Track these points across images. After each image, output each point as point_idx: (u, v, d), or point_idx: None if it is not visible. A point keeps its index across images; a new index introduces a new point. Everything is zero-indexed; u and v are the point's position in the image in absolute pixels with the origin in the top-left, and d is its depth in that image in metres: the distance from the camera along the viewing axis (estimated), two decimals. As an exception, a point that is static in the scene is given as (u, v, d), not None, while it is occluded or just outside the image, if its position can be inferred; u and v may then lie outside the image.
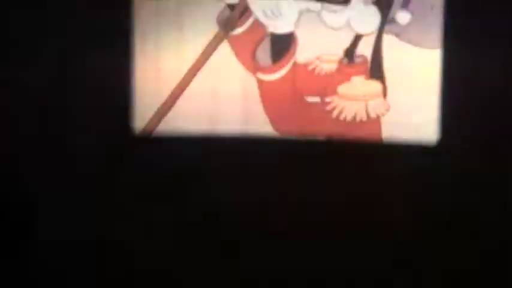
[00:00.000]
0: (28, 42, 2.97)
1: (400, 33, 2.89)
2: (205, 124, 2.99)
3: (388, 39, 2.90)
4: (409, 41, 2.89)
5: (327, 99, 2.95)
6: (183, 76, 2.98)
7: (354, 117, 2.94)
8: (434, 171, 2.89)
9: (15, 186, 3.01)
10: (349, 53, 2.92)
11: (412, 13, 2.87)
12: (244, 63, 2.97)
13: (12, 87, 2.98)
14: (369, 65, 2.92)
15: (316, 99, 2.96)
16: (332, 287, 2.94)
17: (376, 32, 2.90)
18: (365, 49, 2.91)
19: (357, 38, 2.91)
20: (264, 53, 2.95)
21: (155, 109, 2.99)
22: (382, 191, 2.90)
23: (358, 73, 2.93)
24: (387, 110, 2.92)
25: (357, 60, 2.92)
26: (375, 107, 2.93)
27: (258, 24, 2.94)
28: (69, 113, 3.00)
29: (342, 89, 2.94)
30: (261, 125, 2.97)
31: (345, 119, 2.94)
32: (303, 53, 2.93)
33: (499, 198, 2.87)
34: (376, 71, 2.92)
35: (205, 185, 2.95)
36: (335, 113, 2.95)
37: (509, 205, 2.88)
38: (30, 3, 2.95)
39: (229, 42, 2.96)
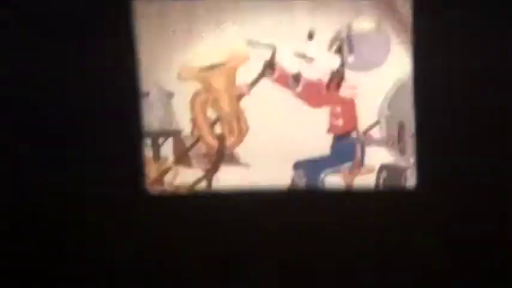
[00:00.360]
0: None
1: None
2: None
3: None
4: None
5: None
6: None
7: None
8: (413, 213, 3.21)
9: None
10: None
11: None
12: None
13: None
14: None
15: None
16: None
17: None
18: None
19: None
20: None
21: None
22: (366, 234, 3.22)
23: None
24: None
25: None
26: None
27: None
28: (79, 171, 3.22)
29: None
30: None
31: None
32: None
33: (475, 240, 3.14)
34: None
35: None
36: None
37: (487, 249, 3.13)
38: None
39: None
